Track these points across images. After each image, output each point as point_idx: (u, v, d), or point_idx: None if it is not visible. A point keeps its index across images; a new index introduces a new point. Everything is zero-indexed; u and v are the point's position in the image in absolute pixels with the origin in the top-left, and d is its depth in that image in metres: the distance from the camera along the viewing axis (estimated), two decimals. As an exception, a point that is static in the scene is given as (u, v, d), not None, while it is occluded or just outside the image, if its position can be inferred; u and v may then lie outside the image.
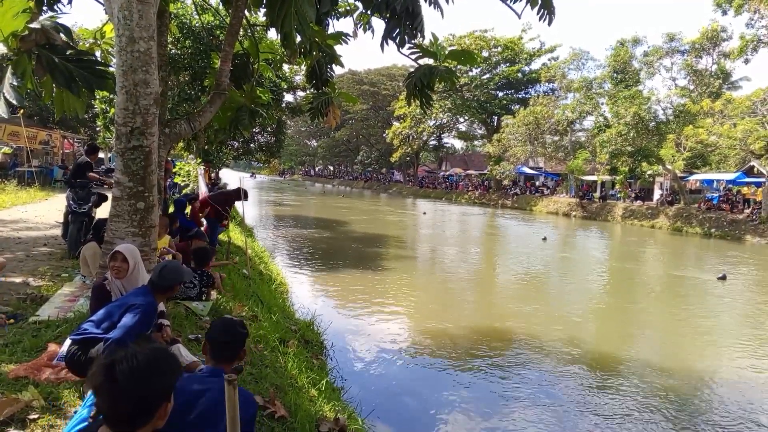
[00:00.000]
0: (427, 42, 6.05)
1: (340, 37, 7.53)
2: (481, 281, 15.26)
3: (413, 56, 6.08)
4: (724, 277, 15.13)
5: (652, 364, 8.13)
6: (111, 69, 4.32)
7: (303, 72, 10.12)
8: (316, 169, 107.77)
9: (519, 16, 6.41)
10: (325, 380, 5.17)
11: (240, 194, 11.06)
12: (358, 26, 8.69)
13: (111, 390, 1.57)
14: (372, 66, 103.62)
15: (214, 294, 6.03)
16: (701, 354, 8.94)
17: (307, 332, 7.90)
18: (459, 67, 51.53)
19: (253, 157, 32.94)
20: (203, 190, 12.55)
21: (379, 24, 8.90)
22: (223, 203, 11.09)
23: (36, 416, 3.09)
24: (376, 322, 9.86)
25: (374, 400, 6.14)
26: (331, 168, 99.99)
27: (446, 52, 5.87)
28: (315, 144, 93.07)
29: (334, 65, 9.50)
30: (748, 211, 27.71)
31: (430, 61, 5.99)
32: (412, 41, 5.78)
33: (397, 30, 5.68)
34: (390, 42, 7.35)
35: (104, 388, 1.57)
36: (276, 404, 3.93)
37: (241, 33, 11.92)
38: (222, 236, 11.29)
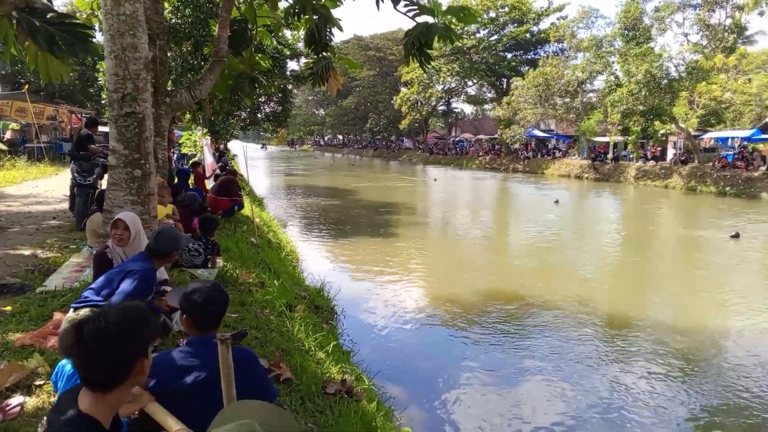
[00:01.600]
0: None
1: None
2: (493, 244, 15.20)
3: (410, 14, 5.91)
4: (737, 236, 14.92)
5: (667, 323, 8.03)
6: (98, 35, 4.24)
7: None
8: (326, 138, 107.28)
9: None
10: (333, 343, 5.19)
11: (232, 174, 10.96)
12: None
13: (80, 352, 1.55)
14: (378, 31, 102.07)
15: (219, 261, 6.03)
16: (716, 312, 8.85)
17: (317, 298, 7.93)
18: (465, 29, 50.64)
19: (260, 127, 32.81)
20: (209, 161, 12.55)
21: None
22: (227, 192, 10.81)
23: (41, 382, 3.14)
24: (387, 287, 9.88)
25: (384, 363, 6.17)
26: (341, 137, 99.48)
27: (443, 9, 5.69)
28: (323, 113, 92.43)
29: (333, 29, 9.32)
30: (763, 168, 27.20)
31: (429, 19, 5.82)
32: (409, -3, 5.60)
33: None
34: None
35: (74, 350, 1.55)
36: (281, 367, 3.95)
37: (239, -1, 11.72)
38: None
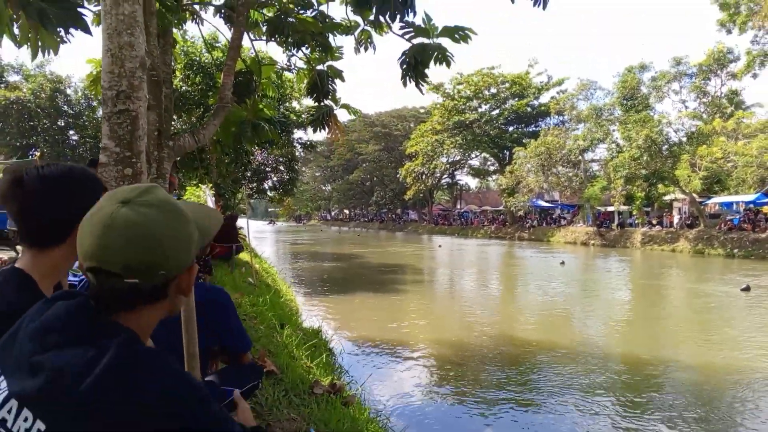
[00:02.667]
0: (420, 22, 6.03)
1: (335, 28, 7.55)
2: (500, 302, 14.89)
3: (406, 36, 6.08)
4: (747, 288, 14.59)
5: (682, 375, 7.60)
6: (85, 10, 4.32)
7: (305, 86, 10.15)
8: (332, 213, 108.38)
9: (513, 1, 6.44)
10: (324, 355, 4.94)
11: (231, 221, 10.96)
12: (360, 44, 8.79)
13: (16, 196, 1.42)
14: (383, 109, 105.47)
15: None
16: (731, 363, 8.46)
17: (313, 338, 7.67)
18: (468, 104, 52.28)
19: (266, 196, 33.20)
20: (212, 211, 12.60)
21: (379, 41, 9.02)
22: (225, 237, 10.81)
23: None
24: (388, 341, 9.51)
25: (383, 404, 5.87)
26: (347, 211, 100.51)
27: (438, 31, 5.86)
28: (330, 188, 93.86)
29: (335, 79, 9.59)
30: (770, 229, 27.02)
31: (424, 40, 5.98)
32: (403, 20, 5.79)
33: (388, 6, 5.68)
34: (388, 33, 7.40)
35: (9, 194, 1.42)
36: (266, 361, 3.74)
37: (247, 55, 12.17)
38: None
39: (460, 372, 7.38)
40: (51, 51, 3.77)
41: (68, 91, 32.78)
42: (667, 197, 33.54)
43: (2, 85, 30.74)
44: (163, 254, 1.00)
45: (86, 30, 4.42)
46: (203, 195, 15.43)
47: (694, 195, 29.89)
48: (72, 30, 6.69)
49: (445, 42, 6.35)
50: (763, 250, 25.52)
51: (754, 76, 29.05)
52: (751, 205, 29.75)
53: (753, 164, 25.79)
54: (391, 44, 6.63)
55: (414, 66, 6.15)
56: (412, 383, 6.80)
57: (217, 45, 19.65)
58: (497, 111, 52.63)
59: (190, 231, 1.06)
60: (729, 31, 29.16)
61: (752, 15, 27.68)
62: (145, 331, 1.04)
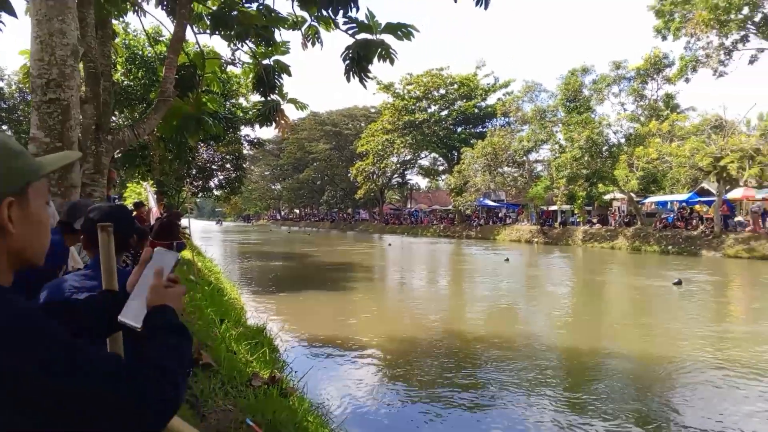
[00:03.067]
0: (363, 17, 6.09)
1: (279, 22, 7.52)
2: (446, 297, 15.13)
3: (350, 31, 6.12)
4: (679, 282, 15.35)
5: (619, 364, 7.92)
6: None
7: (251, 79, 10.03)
8: (282, 212, 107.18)
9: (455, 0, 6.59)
10: (266, 349, 4.92)
11: (172, 218, 10.72)
12: (308, 39, 8.76)
13: None
14: (333, 107, 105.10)
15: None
16: (665, 353, 8.91)
17: (258, 336, 7.60)
18: (417, 104, 52.80)
19: (212, 195, 32.53)
20: (154, 209, 12.26)
21: (326, 36, 9.02)
22: (168, 235, 10.56)
23: None
24: (334, 338, 9.50)
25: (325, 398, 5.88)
26: (297, 211, 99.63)
27: (381, 27, 5.93)
28: (279, 187, 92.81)
29: (282, 74, 9.57)
30: (702, 227, 28.50)
31: (367, 36, 6.04)
32: (347, 15, 5.84)
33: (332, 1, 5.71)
34: (332, 29, 7.42)
35: None
36: (202, 354, 3.71)
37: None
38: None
39: (406, 368, 7.47)
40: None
41: (1, 84, 31.17)
42: (606, 196, 34.88)
43: (-72, 76, 28.93)
44: None
45: (11, 12, 4.26)
46: (144, 192, 15.00)
47: (632, 194, 31.18)
48: (2, 20, 6.41)
49: (389, 39, 6.45)
50: (695, 246, 26.89)
51: (687, 80, 30.60)
52: (684, 204, 31.33)
53: (686, 165, 27.13)
54: (341, 42, 6.70)
55: (357, 61, 6.22)
56: (356, 378, 6.85)
57: (160, 39, 19.15)
58: (446, 111, 53.35)
59: (6, 160, 1.02)
60: (664, 38, 30.59)
61: (685, 22, 29.13)
62: None
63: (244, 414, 3.18)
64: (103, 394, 0.89)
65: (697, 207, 30.84)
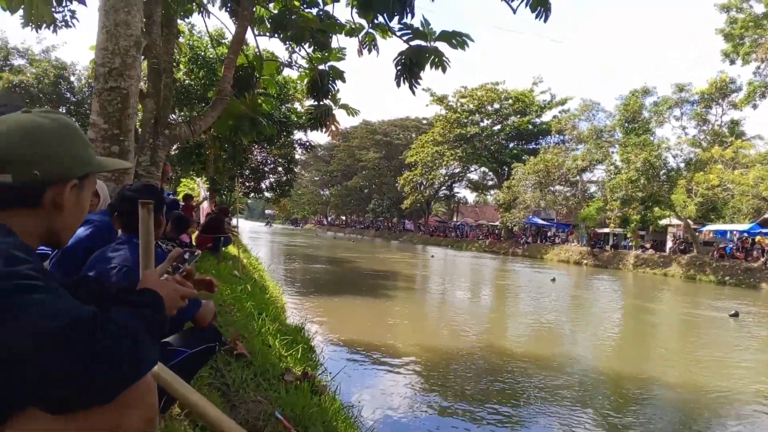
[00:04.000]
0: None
1: (335, 27, 7.61)
2: (488, 313, 14.88)
3: (404, 37, 6.13)
4: (736, 314, 14.60)
5: (665, 393, 7.50)
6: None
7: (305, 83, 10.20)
8: (329, 218, 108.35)
9: (514, 11, 6.51)
10: (301, 347, 4.93)
11: (220, 214, 10.95)
12: (364, 46, 8.85)
13: None
14: (386, 117, 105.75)
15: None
16: (715, 384, 8.45)
17: (295, 335, 7.65)
18: (470, 117, 52.50)
19: (263, 196, 33.15)
20: (205, 205, 12.60)
21: (383, 44, 9.08)
22: (214, 230, 10.80)
23: None
24: (371, 344, 9.39)
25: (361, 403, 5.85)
26: (344, 218, 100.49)
27: (436, 34, 5.91)
28: (328, 193, 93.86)
29: (336, 80, 9.69)
30: (763, 259, 27.09)
31: (421, 43, 6.03)
32: (402, 22, 5.85)
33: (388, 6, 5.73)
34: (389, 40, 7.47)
35: None
36: (237, 344, 3.74)
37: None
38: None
39: (441, 380, 7.36)
40: (52, 29, 3.80)
41: (72, 79, 32.79)
42: (662, 222, 33.63)
43: (7, 68, 30.75)
44: (40, 153, 1.09)
45: (81, 0, 4.47)
46: (197, 189, 15.45)
47: (689, 221, 29.98)
48: (76, 17, 6.69)
49: (443, 47, 6.43)
50: (754, 279, 25.58)
51: (754, 106, 29.27)
52: (745, 234, 29.88)
53: (749, 194, 25.91)
54: (395, 52, 6.70)
55: (409, 67, 6.22)
56: (389, 386, 6.78)
57: (222, 41, 19.75)
58: (499, 126, 52.80)
59: (77, 148, 1.16)
60: (732, 62, 29.40)
61: (756, 47, 27.93)
62: (23, 236, 1.07)
63: (274, 407, 3.18)
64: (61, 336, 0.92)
65: (758, 238, 29.36)
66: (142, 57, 5.92)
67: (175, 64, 13.66)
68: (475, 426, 5.65)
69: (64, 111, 33.14)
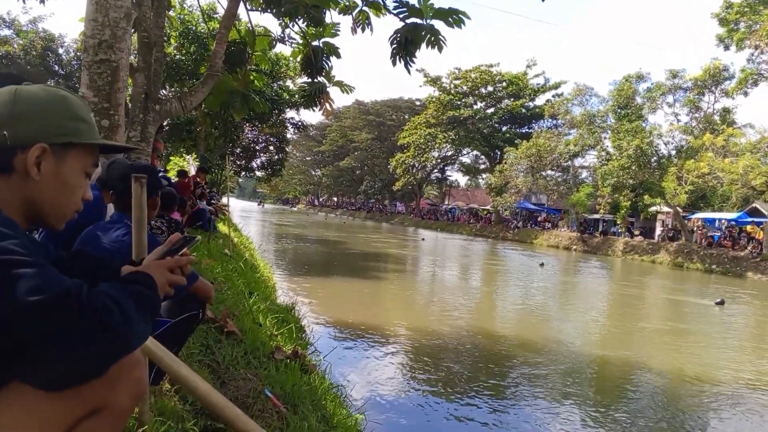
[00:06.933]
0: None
1: (327, 2, 7.46)
2: (477, 296, 14.97)
3: (400, 15, 6.04)
4: (722, 302, 14.78)
5: (650, 380, 7.56)
6: None
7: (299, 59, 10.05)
8: (321, 199, 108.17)
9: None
10: (291, 326, 4.93)
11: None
12: (357, 24, 8.71)
13: None
14: (378, 98, 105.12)
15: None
16: (699, 372, 8.56)
17: (285, 314, 7.65)
18: (463, 100, 52.24)
19: (254, 175, 32.92)
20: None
21: (377, 22, 8.96)
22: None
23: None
24: (361, 325, 9.44)
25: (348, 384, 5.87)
26: (335, 199, 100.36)
27: (432, 12, 5.83)
28: (320, 173, 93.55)
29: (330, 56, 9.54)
30: (749, 248, 27.39)
31: (417, 21, 5.94)
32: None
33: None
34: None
35: None
36: (228, 322, 3.72)
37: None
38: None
39: (429, 362, 7.40)
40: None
41: (60, 51, 32.20)
42: (652, 209, 33.84)
43: (-8, 39, 30.10)
44: (9, 115, 1.08)
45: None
46: (187, 165, 15.32)
47: (679, 209, 30.17)
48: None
49: (439, 25, 6.34)
50: (741, 267, 25.88)
51: (745, 94, 29.31)
52: (733, 223, 30.14)
53: (738, 183, 26.08)
54: (390, 30, 6.61)
55: (405, 46, 6.14)
56: (378, 367, 6.82)
57: (214, 16, 19.41)
58: (492, 109, 52.63)
59: (58, 117, 1.13)
60: (727, 47, 29.38)
61: (750, 33, 27.89)
62: (4, 208, 1.07)
63: (264, 384, 3.18)
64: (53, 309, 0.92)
65: (747, 228, 29.62)
66: (133, 30, 5.81)
67: (165, 38, 13.42)
68: (463, 406, 5.70)
69: (52, 84, 32.58)
